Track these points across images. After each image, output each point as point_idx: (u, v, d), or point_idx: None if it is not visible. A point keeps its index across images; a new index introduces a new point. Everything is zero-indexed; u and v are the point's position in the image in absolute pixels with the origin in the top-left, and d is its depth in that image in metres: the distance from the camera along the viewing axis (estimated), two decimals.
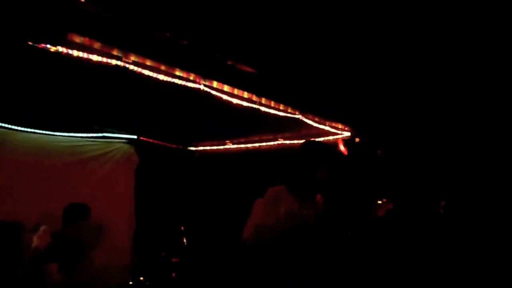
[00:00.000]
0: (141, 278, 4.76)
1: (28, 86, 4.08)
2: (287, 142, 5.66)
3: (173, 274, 5.48)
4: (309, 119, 4.74)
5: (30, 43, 2.46)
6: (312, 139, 4.62)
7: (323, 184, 3.22)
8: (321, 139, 5.31)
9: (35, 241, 4.42)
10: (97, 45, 2.98)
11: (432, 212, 5.26)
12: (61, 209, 4.97)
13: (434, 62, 4.40)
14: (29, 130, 5.31)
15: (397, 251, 4.80)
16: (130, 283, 4.73)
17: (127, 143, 6.26)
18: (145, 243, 5.96)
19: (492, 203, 4.95)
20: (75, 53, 2.96)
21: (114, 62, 3.16)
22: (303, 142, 3.40)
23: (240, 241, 4.45)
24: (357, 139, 5.08)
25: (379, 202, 3.63)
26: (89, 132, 5.81)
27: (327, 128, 5.05)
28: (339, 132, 5.20)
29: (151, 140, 6.37)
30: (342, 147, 4.99)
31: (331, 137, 5.34)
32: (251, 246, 3.03)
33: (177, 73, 3.51)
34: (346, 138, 5.16)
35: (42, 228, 4.41)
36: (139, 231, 6.25)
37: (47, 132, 5.47)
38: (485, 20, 3.66)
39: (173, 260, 5.48)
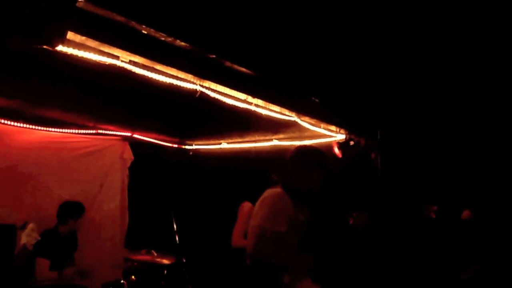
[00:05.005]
0: (133, 277, 4.75)
1: (24, 82, 4.07)
2: (281, 143, 5.67)
3: (165, 272, 5.48)
4: (305, 121, 4.74)
5: (28, 42, 2.45)
6: (307, 143, 4.62)
7: (316, 190, 3.22)
8: (316, 141, 5.32)
9: (23, 238, 4.42)
10: (94, 44, 2.97)
11: (422, 218, 5.29)
12: (54, 206, 4.99)
13: (431, 65, 4.42)
14: (23, 125, 5.29)
15: (385, 258, 4.82)
16: (122, 281, 4.72)
17: (121, 140, 6.26)
18: (138, 241, 5.95)
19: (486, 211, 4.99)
20: (71, 51, 2.95)
21: (110, 61, 3.15)
22: (297, 148, 3.39)
23: (231, 242, 4.45)
24: (351, 142, 5.09)
25: (354, 214, 3.64)
26: (84, 129, 5.79)
27: (322, 131, 5.06)
28: (334, 135, 5.21)
29: (145, 138, 6.37)
30: (336, 150, 5.00)
31: (325, 139, 5.35)
32: (256, 250, 2.98)
33: (174, 73, 3.50)
34: (340, 141, 5.17)
35: (30, 226, 4.41)
36: (132, 229, 6.25)
37: (42, 128, 5.45)
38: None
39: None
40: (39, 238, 4.29)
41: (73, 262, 4.98)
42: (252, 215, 3.15)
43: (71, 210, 4.91)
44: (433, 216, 5.47)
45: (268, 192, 3.14)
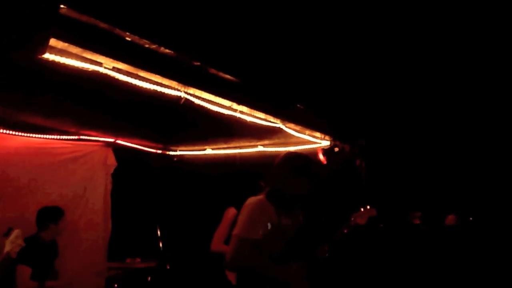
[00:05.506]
0: (116, 285, 4.70)
1: (6, 88, 4.01)
2: (266, 149, 5.67)
3: (149, 279, 5.44)
4: (290, 128, 4.75)
5: (10, 48, 2.41)
6: (293, 150, 4.63)
7: (303, 196, 3.22)
8: (301, 147, 5.33)
9: (7, 246, 4.34)
10: (76, 50, 2.93)
11: (405, 224, 5.32)
12: (36, 212, 4.90)
13: (415, 72, 4.46)
14: (5, 131, 5.21)
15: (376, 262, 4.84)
16: None
17: (104, 146, 6.19)
18: (121, 248, 5.90)
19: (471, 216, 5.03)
20: (54, 58, 2.92)
21: (93, 68, 3.12)
22: (286, 154, 3.39)
23: (210, 246, 4.44)
24: (336, 149, 5.11)
25: (362, 209, 3.63)
26: (66, 135, 5.72)
27: (307, 137, 5.07)
28: (319, 141, 5.22)
29: (129, 144, 6.31)
30: (321, 157, 5.01)
31: (310, 146, 5.36)
32: (233, 259, 3.00)
33: (158, 80, 3.48)
34: (325, 147, 5.18)
35: (15, 232, 4.32)
36: (115, 235, 6.19)
37: (24, 134, 5.37)
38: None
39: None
40: (23, 245, 4.22)
41: (56, 275, 4.89)
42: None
43: (50, 214, 4.82)
44: (417, 222, 5.51)
45: (248, 201, 3.15)
